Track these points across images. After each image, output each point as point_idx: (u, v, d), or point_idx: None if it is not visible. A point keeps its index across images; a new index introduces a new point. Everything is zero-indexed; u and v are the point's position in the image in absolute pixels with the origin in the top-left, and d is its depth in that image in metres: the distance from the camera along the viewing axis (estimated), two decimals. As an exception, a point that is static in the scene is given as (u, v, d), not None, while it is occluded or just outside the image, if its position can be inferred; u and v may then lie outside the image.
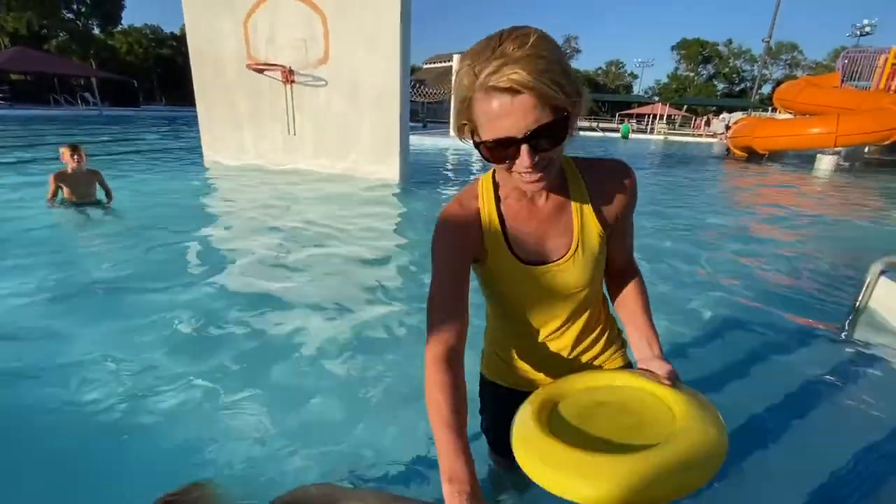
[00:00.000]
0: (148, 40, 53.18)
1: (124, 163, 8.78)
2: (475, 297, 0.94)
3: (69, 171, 4.50)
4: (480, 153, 0.74)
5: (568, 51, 64.83)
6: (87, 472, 1.60)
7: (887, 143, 13.10)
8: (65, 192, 4.55)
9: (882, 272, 2.83)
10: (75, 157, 4.45)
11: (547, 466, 0.65)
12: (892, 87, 14.38)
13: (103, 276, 3.27)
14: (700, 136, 33.71)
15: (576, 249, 0.87)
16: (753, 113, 30.30)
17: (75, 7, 44.57)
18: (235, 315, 2.73)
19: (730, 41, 63.66)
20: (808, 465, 1.75)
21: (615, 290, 1.01)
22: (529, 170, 0.71)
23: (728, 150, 17.36)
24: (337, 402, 1.97)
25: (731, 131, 18.36)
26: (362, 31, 7.18)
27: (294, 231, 4.66)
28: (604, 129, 35.39)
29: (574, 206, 0.87)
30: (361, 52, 7.29)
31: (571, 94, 0.68)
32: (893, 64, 14.37)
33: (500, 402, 1.09)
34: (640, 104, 45.82)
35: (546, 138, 0.68)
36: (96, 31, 48.21)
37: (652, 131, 35.75)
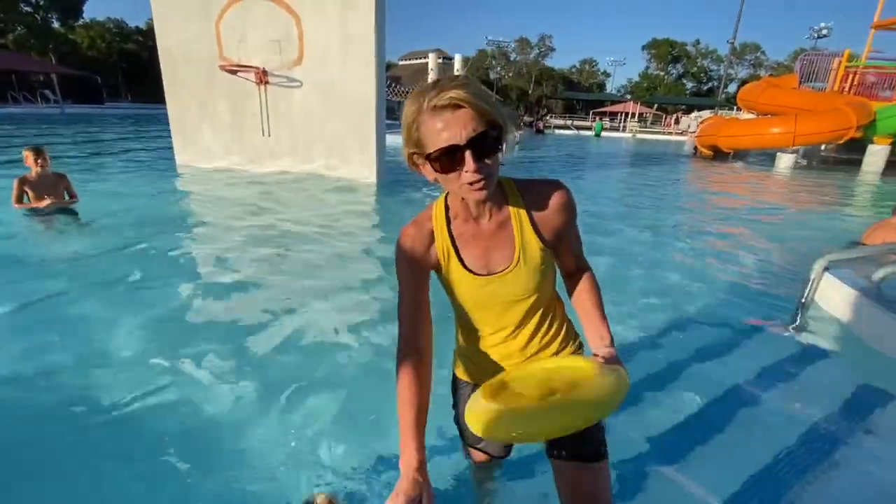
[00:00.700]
0: (112, 34, 51.24)
1: (89, 164, 8.53)
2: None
3: (33, 175, 4.33)
4: (432, 168, 0.86)
5: (542, 49, 65.56)
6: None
7: (841, 142, 13.85)
8: (30, 196, 4.40)
9: (825, 269, 3.07)
10: (39, 160, 4.27)
11: (479, 420, 0.83)
12: (846, 89, 15.17)
13: (64, 287, 3.21)
14: (670, 133, 34.67)
15: (517, 261, 0.99)
16: (720, 112, 31.34)
17: (33, 0, 42.61)
18: (208, 323, 2.78)
19: (697, 41, 65.61)
20: (754, 452, 1.89)
21: (570, 289, 1.14)
22: (475, 174, 0.82)
23: (695, 148, 18.00)
24: (320, 401, 2.06)
25: (697, 130, 19.02)
26: (337, 31, 7.19)
27: (270, 233, 4.68)
28: (578, 128, 35.99)
29: (515, 223, 0.99)
30: (337, 52, 7.30)
31: (502, 119, 0.83)
32: (846, 67, 15.16)
33: (467, 397, 1.21)
34: (614, 102, 46.77)
35: (485, 145, 0.81)
36: (56, 24, 46.20)
37: (624, 129, 36.56)
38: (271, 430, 1.89)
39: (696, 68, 65.30)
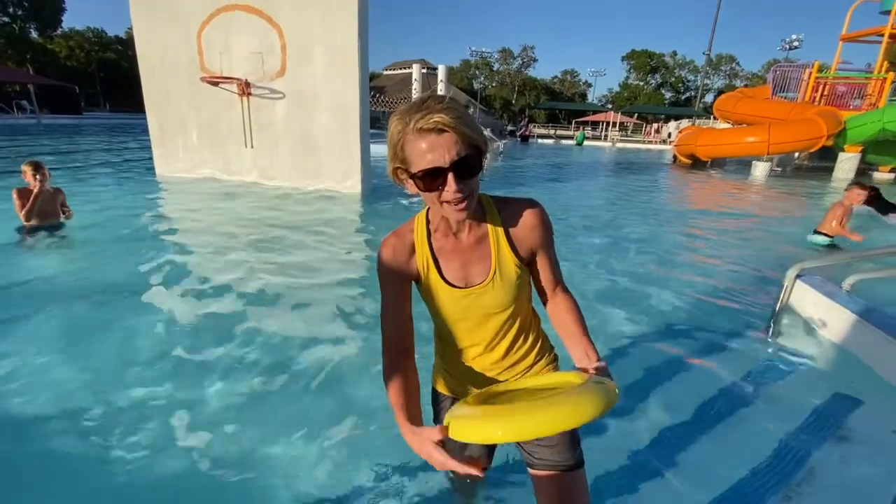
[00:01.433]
0: (91, 44, 50.52)
1: (67, 174, 8.36)
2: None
3: (32, 190, 4.16)
4: (416, 185, 0.90)
5: (525, 59, 66.53)
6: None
7: (814, 150, 14.32)
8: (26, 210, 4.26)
9: (798, 276, 3.17)
10: (38, 176, 4.11)
11: (464, 421, 0.83)
12: (816, 99, 15.71)
13: (43, 303, 3.15)
14: (651, 142, 35.35)
15: (493, 275, 1.03)
16: (697, 121, 32.13)
17: (10, 10, 41.84)
18: (194, 337, 2.74)
19: (675, 52, 67.28)
20: (729, 458, 1.94)
21: (552, 313, 1.15)
22: (457, 194, 0.87)
23: (674, 156, 18.40)
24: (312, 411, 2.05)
25: (676, 139, 19.47)
26: (320, 42, 7.22)
27: (254, 246, 4.64)
28: (560, 137, 36.47)
29: (492, 238, 1.03)
30: (320, 63, 7.32)
31: (481, 141, 0.88)
32: (817, 77, 15.71)
33: (447, 410, 1.22)
34: (595, 112, 47.56)
35: (467, 168, 0.86)
36: (34, 34, 45.38)
37: (606, 138, 37.18)
38: (262, 438, 1.87)
39: (673, 78, 66.92)
